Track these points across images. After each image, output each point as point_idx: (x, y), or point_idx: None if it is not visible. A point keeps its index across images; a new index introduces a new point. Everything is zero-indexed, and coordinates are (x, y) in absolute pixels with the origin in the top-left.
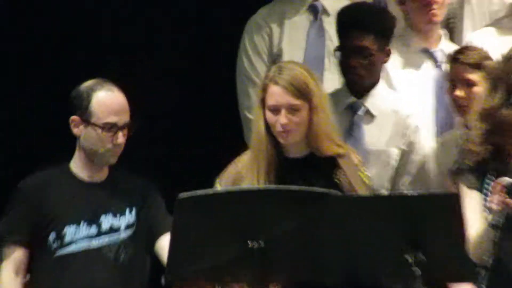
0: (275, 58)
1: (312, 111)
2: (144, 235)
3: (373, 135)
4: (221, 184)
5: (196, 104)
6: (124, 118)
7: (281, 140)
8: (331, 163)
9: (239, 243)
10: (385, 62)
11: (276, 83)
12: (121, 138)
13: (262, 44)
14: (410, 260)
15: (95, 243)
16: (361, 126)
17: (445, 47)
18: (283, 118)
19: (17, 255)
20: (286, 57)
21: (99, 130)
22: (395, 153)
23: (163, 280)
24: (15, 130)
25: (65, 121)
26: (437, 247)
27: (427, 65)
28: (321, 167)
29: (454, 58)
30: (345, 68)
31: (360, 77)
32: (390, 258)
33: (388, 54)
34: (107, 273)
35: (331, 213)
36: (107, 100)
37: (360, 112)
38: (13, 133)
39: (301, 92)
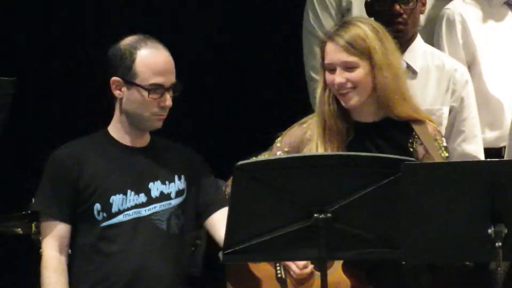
0: (344, 12)
1: (375, 69)
2: (193, 205)
3: (418, 93)
4: (282, 145)
5: (258, 65)
6: (171, 78)
7: (342, 103)
8: (407, 131)
9: (303, 215)
10: (422, 12)
11: (331, 40)
12: (168, 100)
13: None
14: (491, 233)
15: (145, 212)
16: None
17: None
18: (337, 77)
19: (58, 231)
20: (356, 11)
21: (145, 92)
22: (446, 112)
23: (220, 256)
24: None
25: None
26: None
27: (511, 19)
28: (395, 134)
29: None
30: (387, 17)
31: (405, 26)
32: (469, 230)
33: (424, 3)
34: (159, 242)
35: (406, 182)
36: (152, 59)
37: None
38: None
39: (357, 48)
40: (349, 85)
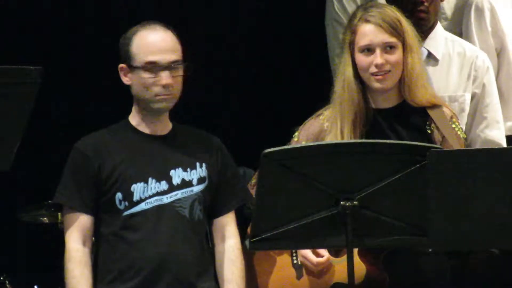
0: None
1: (406, 51)
2: (212, 194)
3: (440, 80)
4: (299, 140)
5: (279, 54)
6: (168, 56)
7: (375, 84)
8: (423, 115)
9: (330, 202)
10: (442, 0)
11: (367, 21)
12: (165, 78)
13: None
14: None
15: (167, 199)
16: (427, 72)
17: None
18: (378, 58)
19: (81, 223)
20: None
21: (141, 72)
22: (468, 98)
23: (247, 244)
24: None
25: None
26: None
27: None
28: (411, 118)
29: None
30: (409, 5)
31: (427, 14)
32: (496, 217)
33: None
34: (182, 229)
35: (433, 169)
36: (146, 38)
37: (423, 57)
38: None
39: (395, 28)
40: (387, 67)
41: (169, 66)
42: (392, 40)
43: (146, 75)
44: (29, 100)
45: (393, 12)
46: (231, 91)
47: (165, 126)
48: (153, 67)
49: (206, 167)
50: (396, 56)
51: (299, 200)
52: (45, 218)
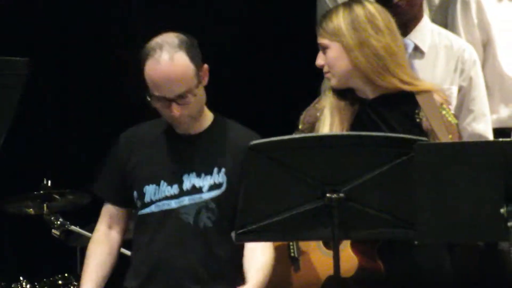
0: None
1: (346, 51)
2: (234, 200)
3: (427, 73)
4: (302, 125)
5: (272, 47)
6: (173, 90)
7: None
8: (412, 103)
9: (316, 195)
10: None
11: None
12: (174, 111)
13: None
14: (503, 212)
15: (175, 204)
16: (413, 65)
17: None
18: (317, 58)
19: (109, 212)
20: None
21: (154, 100)
22: (455, 91)
23: (233, 236)
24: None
25: None
26: None
27: None
28: (401, 107)
29: None
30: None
31: (404, 7)
32: (482, 210)
33: None
34: (183, 236)
35: (419, 162)
36: (150, 72)
37: (409, 49)
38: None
39: (325, 30)
40: (325, 67)
41: (175, 99)
42: (321, 41)
43: (157, 105)
44: (16, 91)
45: (334, 10)
46: (230, 90)
47: (200, 125)
48: (160, 100)
49: (225, 172)
50: (327, 55)
51: (285, 192)
52: (31, 210)
